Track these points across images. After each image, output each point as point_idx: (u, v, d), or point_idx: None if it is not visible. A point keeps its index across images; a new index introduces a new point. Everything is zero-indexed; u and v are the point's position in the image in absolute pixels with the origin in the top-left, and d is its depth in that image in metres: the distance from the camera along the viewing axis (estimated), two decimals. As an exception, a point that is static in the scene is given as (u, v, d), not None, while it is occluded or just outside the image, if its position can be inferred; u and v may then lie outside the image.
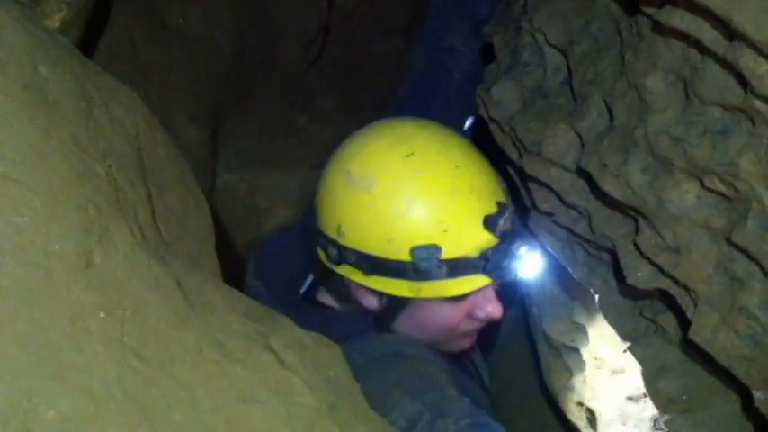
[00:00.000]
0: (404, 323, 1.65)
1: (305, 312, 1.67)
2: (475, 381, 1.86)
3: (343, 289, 1.69)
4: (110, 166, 0.91)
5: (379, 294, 1.62)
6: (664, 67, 1.19)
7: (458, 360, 1.79)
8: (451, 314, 1.63)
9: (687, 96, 1.17)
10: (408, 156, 1.53)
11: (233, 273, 1.63)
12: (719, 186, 1.12)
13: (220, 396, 0.82)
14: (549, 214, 1.57)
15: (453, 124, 1.92)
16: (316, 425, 0.88)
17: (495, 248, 1.52)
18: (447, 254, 1.51)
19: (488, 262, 1.51)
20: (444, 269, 1.52)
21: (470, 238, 1.53)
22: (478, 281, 1.55)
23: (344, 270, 1.61)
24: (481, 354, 2.03)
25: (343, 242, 1.58)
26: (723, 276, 1.15)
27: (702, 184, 1.16)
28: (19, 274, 0.72)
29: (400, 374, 1.45)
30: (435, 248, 1.50)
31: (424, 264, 1.49)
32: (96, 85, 0.99)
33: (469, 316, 1.64)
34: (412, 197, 1.51)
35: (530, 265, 1.57)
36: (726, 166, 1.09)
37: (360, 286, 1.62)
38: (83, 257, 0.78)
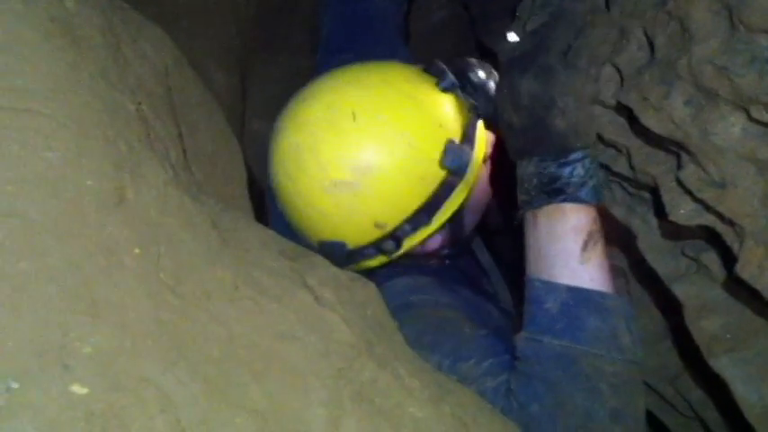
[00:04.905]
0: (468, 224, 1.69)
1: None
2: (491, 301, 1.77)
3: (403, 259, 1.62)
4: (139, 102, 0.89)
5: (443, 227, 1.58)
6: (708, -6, 1.15)
7: (474, 281, 1.78)
8: (485, 174, 1.69)
9: (732, 24, 1.13)
10: (355, 119, 1.44)
11: (264, 221, 1.60)
12: (767, 117, 1.08)
13: (257, 332, 0.80)
14: (587, 153, 1.54)
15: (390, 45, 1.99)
16: (354, 362, 0.86)
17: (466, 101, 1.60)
18: (458, 137, 1.54)
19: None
20: (466, 148, 1.53)
21: (454, 114, 1.56)
22: (481, 129, 1.61)
23: (408, 244, 1.56)
24: (499, 270, 1.95)
25: (389, 229, 1.52)
26: (770, 211, 1.12)
27: (749, 115, 1.11)
28: (50, 210, 0.71)
29: (413, 330, 1.35)
30: (452, 143, 1.50)
31: (454, 161, 1.49)
32: (124, 22, 0.97)
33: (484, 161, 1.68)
34: (393, 134, 1.46)
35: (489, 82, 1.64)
36: (774, 96, 1.05)
37: (426, 240, 1.58)
38: (115, 193, 0.77)
